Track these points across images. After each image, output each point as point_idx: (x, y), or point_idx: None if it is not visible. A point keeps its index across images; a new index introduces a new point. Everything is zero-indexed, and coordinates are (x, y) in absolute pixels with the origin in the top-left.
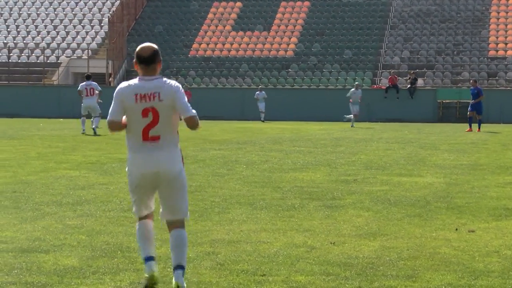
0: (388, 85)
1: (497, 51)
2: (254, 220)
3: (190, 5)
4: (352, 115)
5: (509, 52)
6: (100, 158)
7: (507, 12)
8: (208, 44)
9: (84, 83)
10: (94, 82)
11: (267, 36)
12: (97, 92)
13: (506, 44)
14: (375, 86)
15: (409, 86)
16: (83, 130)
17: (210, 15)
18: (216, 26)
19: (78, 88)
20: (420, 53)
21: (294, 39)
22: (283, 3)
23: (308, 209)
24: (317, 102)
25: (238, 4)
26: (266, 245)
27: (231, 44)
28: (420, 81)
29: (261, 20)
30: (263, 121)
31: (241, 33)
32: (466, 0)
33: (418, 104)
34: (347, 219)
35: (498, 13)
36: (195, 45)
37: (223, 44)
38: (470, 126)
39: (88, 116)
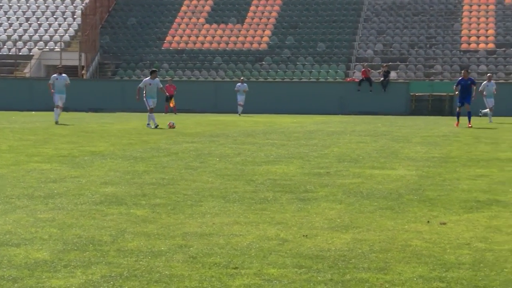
0: (361, 78)
1: (469, 44)
2: (227, 213)
3: None
4: (487, 110)
5: (481, 45)
6: (72, 151)
7: (479, 5)
8: (181, 37)
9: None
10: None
11: (240, 29)
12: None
13: (478, 37)
14: (348, 79)
15: (382, 79)
16: (154, 124)
17: (183, 8)
18: (190, 19)
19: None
20: (393, 46)
21: (267, 32)
22: None
23: (281, 202)
24: (290, 95)
25: None
26: (239, 238)
27: (205, 36)
28: (393, 74)
29: (235, 12)
30: (239, 115)
31: (214, 25)
32: None
33: (391, 97)
34: (320, 211)
35: (471, 6)
36: (168, 38)
37: (197, 37)
38: (458, 119)
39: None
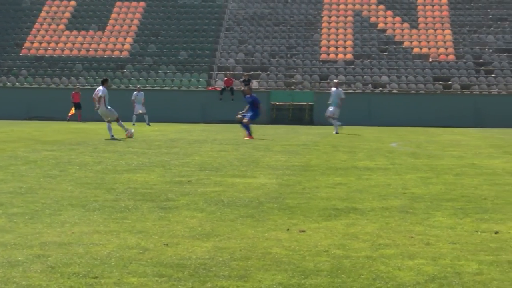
0: (223, 87)
1: (328, 54)
2: (87, 222)
3: (22, 3)
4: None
5: (340, 56)
6: None
7: (338, 17)
8: (40, 43)
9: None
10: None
11: (101, 36)
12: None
13: (337, 48)
14: (210, 88)
15: (243, 88)
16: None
17: (43, 14)
18: (49, 25)
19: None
20: (255, 55)
21: (129, 40)
22: (118, 3)
23: (142, 211)
24: (152, 103)
25: (72, 3)
26: (99, 247)
27: (65, 43)
28: (254, 83)
29: (96, 19)
30: (148, 124)
31: (75, 32)
32: (299, 4)
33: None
34: (181, 220)
35: (330, 17)
36: (27, 44)
37: (57, 44)
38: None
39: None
